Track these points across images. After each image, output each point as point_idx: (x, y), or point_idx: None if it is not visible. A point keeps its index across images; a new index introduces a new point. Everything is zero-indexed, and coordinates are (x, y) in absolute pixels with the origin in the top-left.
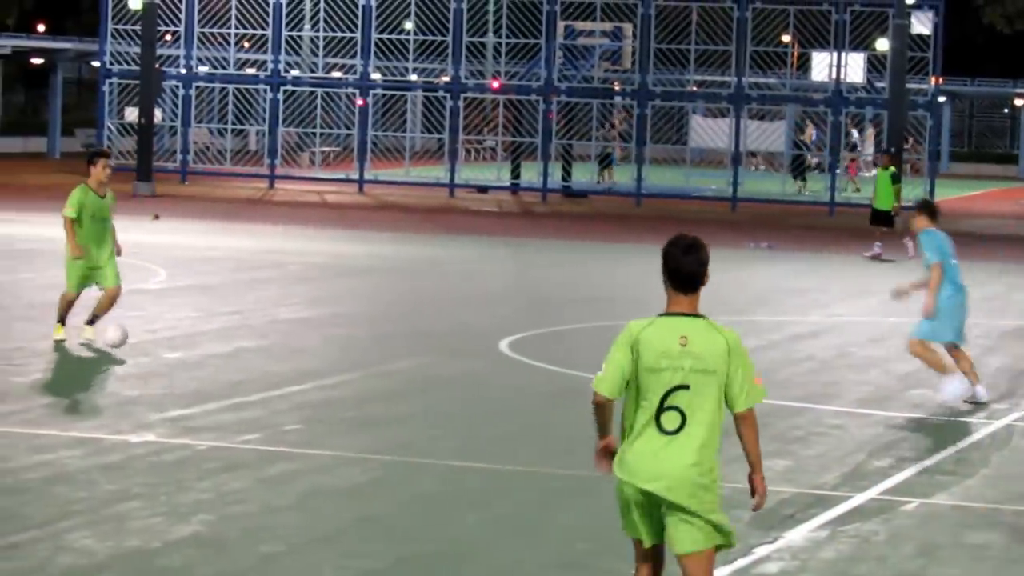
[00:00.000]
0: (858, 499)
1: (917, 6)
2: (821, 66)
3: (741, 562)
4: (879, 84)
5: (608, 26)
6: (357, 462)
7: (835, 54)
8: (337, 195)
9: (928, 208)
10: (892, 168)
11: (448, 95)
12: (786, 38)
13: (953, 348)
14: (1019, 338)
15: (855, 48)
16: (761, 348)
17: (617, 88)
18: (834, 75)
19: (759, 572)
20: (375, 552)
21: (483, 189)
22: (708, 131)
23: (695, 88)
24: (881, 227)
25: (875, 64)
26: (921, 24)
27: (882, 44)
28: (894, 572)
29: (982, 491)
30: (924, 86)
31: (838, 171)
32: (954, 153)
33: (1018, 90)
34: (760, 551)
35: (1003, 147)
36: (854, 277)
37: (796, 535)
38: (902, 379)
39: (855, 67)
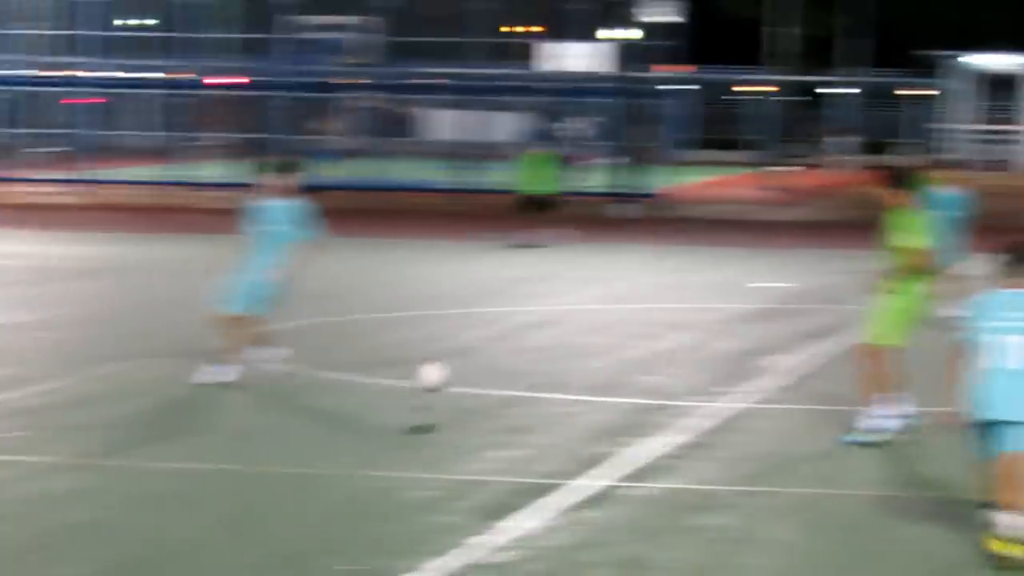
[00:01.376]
0: (584, 486)
1: None
2: (557, 56)
3: (471, 553)
4: (615, 73)
5: (340, 19)
6: (72, 468)
7: (571, 44)
8: (60, 196)
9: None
10: (551, 153)
11: (176, 92)
12: (520, 28)
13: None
14: (747, 322)
15: (592, 38)
16: (489, 339)
17: (346, 82)
18: (570, 65)
19: (488, 562)
20: (84, 558)
21: (199, 186)
22: (440, 123)
23: (425, 80)
24: (536, 211)
25: (612, 53)
26: (658, 14)
27: (619, 33)
28: (618, 557)
29: (703, 474)
30: (659, 75)
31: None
32: (687, 140)
33: (747, 77)
34: (487, 540)
35: (733, 133)
36: (581, 267)
37: (524, 524)
38: (629, 366)
39: (593, 56)
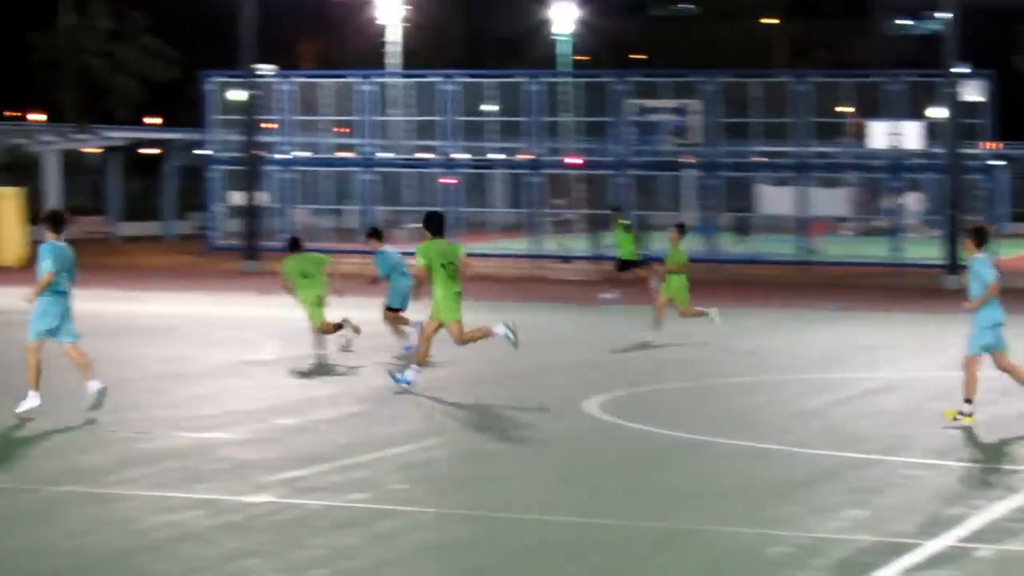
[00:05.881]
0: (932, 546)
1: (968, 75)
2: (878, 134)
3: None
4: (935, 150)
5: (675, 103)
6: (460, 519)
7: (891, 122)
8: None
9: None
10: (624, 222)
11: (529, 171)
12: (844, 109)
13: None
14: None
15: (910, 116)
16: (836, 403)
17: (687, 160)
18: (891, 143)
19: None
20: None
21: (567, 259)
22: (774, 199)
23: (760, 159)
24: (624, 274)
25: (932, 131)
26: (974, 92)
27: (936, 112)
28: None
29: None
30: (977, 151)
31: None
32: (1016, 214)
33: None
34: None
35: None
36: (922, 334)
37: None
38: (969, 432)
39: (911, 134)
